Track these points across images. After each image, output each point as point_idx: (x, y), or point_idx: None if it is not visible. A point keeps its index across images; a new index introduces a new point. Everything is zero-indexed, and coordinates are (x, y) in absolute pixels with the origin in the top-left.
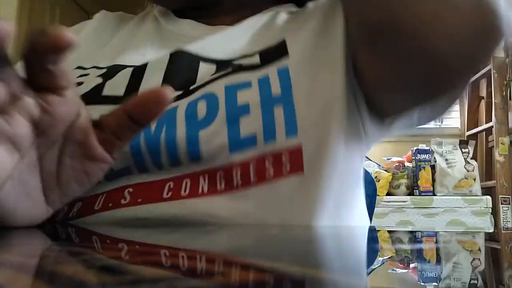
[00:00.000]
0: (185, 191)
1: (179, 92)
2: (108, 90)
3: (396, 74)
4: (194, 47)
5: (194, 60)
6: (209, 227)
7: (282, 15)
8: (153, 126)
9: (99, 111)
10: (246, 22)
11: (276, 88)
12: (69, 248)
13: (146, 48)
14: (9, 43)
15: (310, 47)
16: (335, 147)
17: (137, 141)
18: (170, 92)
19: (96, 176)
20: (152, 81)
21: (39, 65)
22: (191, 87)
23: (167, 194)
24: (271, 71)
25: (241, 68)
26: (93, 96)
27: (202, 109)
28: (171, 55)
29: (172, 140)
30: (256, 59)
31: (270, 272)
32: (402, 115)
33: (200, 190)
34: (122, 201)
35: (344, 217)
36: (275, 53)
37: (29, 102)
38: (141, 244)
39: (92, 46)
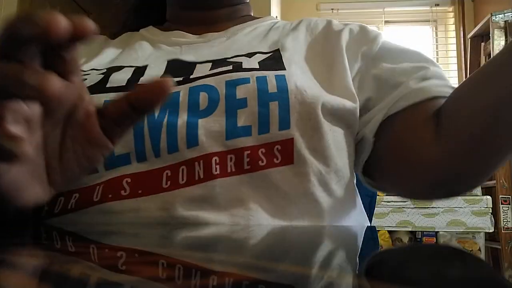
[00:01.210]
0: (182, 179)
1: (180, 78)
2: (111, 83)
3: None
4: (189, 58)
5: (191, 65)
6: (207, 228)
7: (275, 27)
8: (156, 112)
9: (103, 98)
10: (234, 30)
11: (272, 87)
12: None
13: (140, 55)
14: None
15: (307, 66)
16: (326, 139)
17: (140, 125)
18: (172, 82)
19: (96, 161)
20: (151, 76)
21: (54, 51)
22: (191, 77)
23: (166, 183)
24: (270, 74)
25: (241, 69)
26: (98, 88)
27: (204, 100)
28: (169, 61)
29: (173, 126)
30: (255, 65)
31: (268, 272)
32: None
33: (196, 177)
34: (123, 192)
35: (337, 211)
36: (273, 65)
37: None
38: (124, 247)
39: (83, 57)
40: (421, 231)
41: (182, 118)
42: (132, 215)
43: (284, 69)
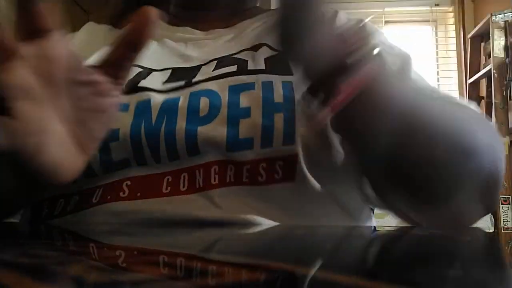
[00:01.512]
0: (183, 186)
1: (181, 83)
2: None
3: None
4: (194, 54)
5: (195, 68)
6: (208, 228)
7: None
8: (154, 117)
9: None
10: (243, 26)
11: (278, 96)
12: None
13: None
14: None
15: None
16: (332, 156)
17: (137, 132)
18: (154, 11)
19: (111, 111)
20: (153, 80)
21: (23, 6)
22: (194, 80)
23: (166, 189)
24: (276, 79)
25: (246, 71)
26: None
27: (204, 106)
28: (173, 69)
29: (171, 133)
30: (261, 65)
31: (267, 271)
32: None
33: (197, 185)
34: (121, 194)
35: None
36: (280, 67)
37: (27, 51)
38: (132, 247)
39: (86, 50)
40: None
41: (180, 125)
42: (131, 216)
43: (292, 73)
